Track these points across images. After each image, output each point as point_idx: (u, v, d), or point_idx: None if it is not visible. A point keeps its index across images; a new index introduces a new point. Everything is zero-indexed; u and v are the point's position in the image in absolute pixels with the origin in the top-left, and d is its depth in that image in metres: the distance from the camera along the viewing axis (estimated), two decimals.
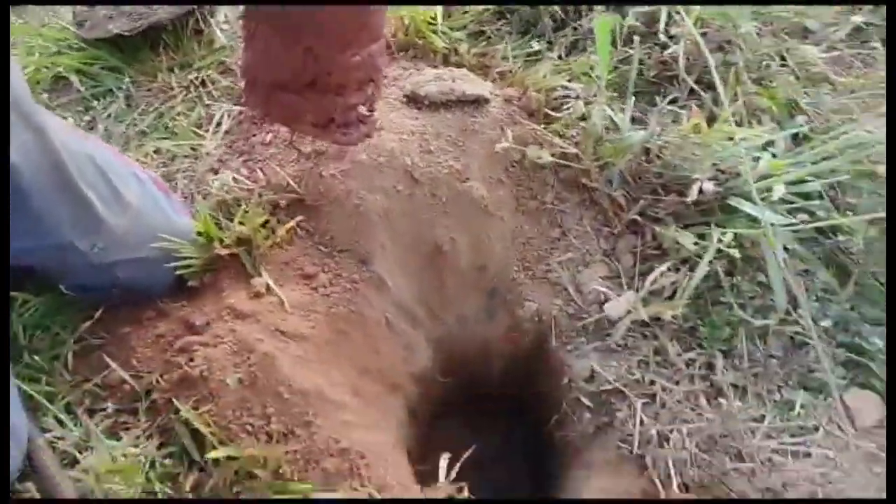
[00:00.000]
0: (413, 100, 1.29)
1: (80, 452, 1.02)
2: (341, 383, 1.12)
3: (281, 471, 1.01)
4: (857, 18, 1.57)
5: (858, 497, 1.07)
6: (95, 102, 1.45)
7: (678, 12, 1.41)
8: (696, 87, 1.31)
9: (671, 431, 1.12)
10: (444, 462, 1.03)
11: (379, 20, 1.01)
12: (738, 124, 1.30)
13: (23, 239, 1.02)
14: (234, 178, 1.27)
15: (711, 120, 1.29)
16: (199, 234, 1.17)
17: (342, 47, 0.98)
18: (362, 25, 0.98)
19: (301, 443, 1.02)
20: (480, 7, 1.48)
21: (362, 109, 1.07)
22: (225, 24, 1.56)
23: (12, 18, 1.59)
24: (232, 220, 1.19)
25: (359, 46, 0.99)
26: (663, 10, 1.37)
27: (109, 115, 1.43)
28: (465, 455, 1.04)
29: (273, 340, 1.10)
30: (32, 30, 1.55)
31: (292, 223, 1.18)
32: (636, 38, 1.29)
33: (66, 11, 1.61)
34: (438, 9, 1.42)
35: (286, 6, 0.94)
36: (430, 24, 1.43)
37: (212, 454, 0.97)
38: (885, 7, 1.56)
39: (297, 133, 1.22)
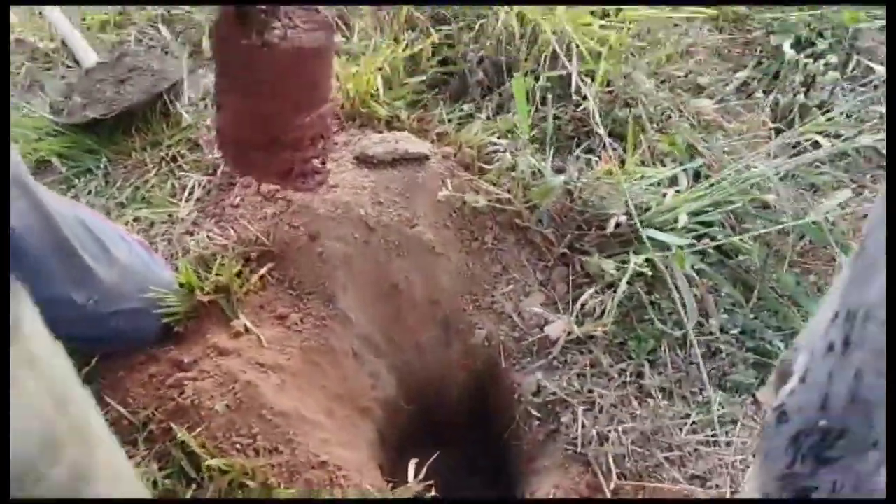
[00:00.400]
0: (363, 160, 1.47)
1: None
2: (316, 407, 1.27)
3: (269, 482, 1.14)
4: (742, 74, 1.83)
5: None
6: (77, 181, 1.60)
7: (587, 75, 1.64)
8: (606, 137, 1.53)
9: (609, 432, 1.29)
10: (412, 466, 1.18)
11: (326, 88, 1.21)
12: (645, 166, 1.52)
13: (33, 295, 1.15)
14: (209, 236, 1.43)
15: (622, 164, 1.51)
16: (182, 284, 1.32)
17: (296, 111, 1.18)
18: (313, 92, 1.18)
19: (285, 457, 1.16)
20: (416, 79, 1.68)
21: (316, 162, 1.26)
22: (190, 105, 1.74)
23: None
24: (210, 272, 1.34)
25: (310, 109, 1.18)
26: (574, 74, 1.60)
27: (90, 192, 1.58)
28: (430, 460, 1.19)
29: (254, 371, 1.24)
30: (12, 120, 1.70)
31: (263, 271, 1.34)
32: (549, 98, 1.50)
33: (41, 101, 1.77)
34: (379, 81, 1.63)
35: (249, 78, 1.13)
36: (373, 95, 1.63)
37: (208, 462, 1.10)
38: (765, 63, 1.83)
39: (263, 183, 1.40)
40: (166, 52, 1.85)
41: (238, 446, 1.16)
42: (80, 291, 1.21)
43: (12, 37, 1.94)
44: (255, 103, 1.15)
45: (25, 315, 0.37)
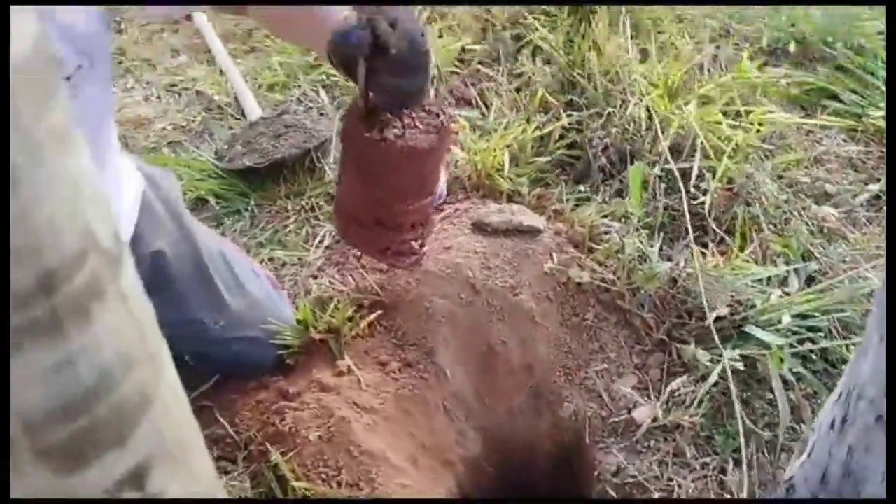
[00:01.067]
0: (479, 227, 1.57)
1: None
2: (402, 453, 1.34)
3: None
4: (875, 187, 1.80)
5: None
6: (226, 219, 1.79)
7: (709, 170, 1.68)
8: (718, 230, 1.55)
9: None
10: None
11: (432, 182, 1.32)
12: (756, 264, 1.52)
13: (164, 313, 1.31)
14: (330, 282, 1.56)
15: (732, 259, 1.52)
16: (298, 321, 1.45)
17: (402, 198, 1.29)
18: (420, 185, 1.28)
19: (363, 493, 1.24)
20: (542, 159, 1.78)
21: (414, 244, 1.37)
22: (334, 163, 1.91)
23: (168, 152, 1.99)
24: (325, 314, 1.46)
25: (414, 199, 1.29)
26: (695, 166, 1.64)
27: (236, 230, 1.76)
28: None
29: (349, 410, 1.34)
30: (183, 161, 1.93)
31: (372, 317, 1.45)
32: (666, 188, 1.55)
33: (208, 146, 1.99)
34: (506, 157, 1.73)
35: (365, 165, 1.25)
36: (499, 170, 1.73)
37: (293, 484, 1.20)
38: None
39: (364, 255, 1.52)
40: (322, 114, 2.04)
41: (323, 476, 1.25)
42: (211, 314, 1.37)
43: (195, 87, 2.21)
44: (367, 187, 1.28)
45: (128, 269, 0.47)
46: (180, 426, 0.54)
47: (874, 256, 1.57)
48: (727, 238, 1.60)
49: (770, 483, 1.34)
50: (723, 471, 1.35)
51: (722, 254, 1.56)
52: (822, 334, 1.44)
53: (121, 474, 0.48)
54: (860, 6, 2.11)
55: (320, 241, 1.70)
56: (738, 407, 1.38)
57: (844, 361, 1.45)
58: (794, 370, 1.40)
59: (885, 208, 1.75)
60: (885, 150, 1.87)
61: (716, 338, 1.44)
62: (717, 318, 1.45)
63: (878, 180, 1.83)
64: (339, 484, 1.24)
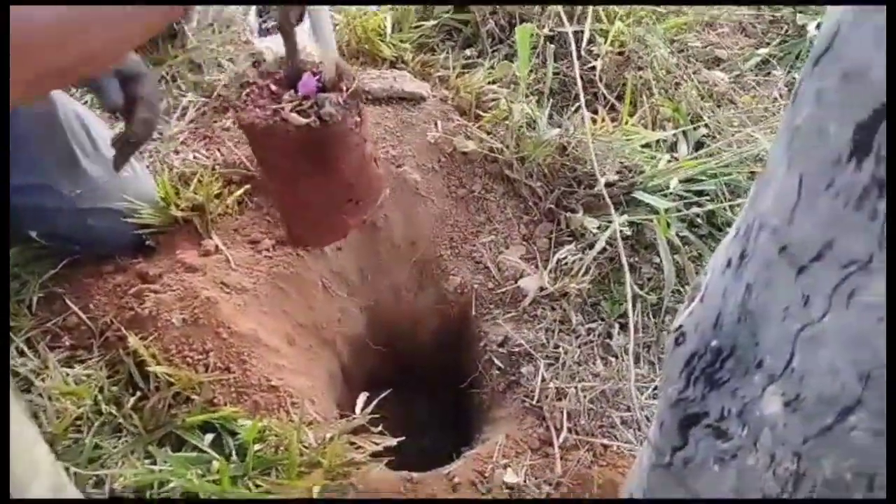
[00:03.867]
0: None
1: (36, 377, 1.14)
2: (276, 332, 1.25)
3: (214, 399, 1.14)
4: (764, 51, 1.77)
5: None
6: (74, 89, 1.59)
7: (601, 35, 1.60)
8: (608, 95, 1.48)
9: (569, 388, 1.26)
10: (361, 398, 1.17)
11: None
12: (645, 129, 1.47)
13: (18, 177, 1.15)
14: (195, 156, 1.42)
15: (621, 124, 1.47)
16: (161, 199, 1.31)
17: (363, 170, 0.98)
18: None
19: (235, 376, 1.15)
20: (428, 24, 1.65)
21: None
22: (198, 28, 1.72)
23: None
24: (189, 190, 1.33)
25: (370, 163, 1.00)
26: (587, 30, 1.55)
27: (87, 102, 1.57)
28: (381, 396, 1.18)
29: (217, 290, 1.23)
30: None
31: (240, 191, 1.33)
32: (557, 53, 1.46)
33: None
34: (388, 21, 1.60)
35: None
36: (380, 34, 1.60)
37: (154, 369, 1.10)
38: (786, 41, 1.76)
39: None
40: None
41: (189, 360, 1.15)
42: (65, 181, 1.21)
43: None
44: (326, 177, 0.96)
45: None
46: None
47: (761, 119, 1.54)
48: (617, 104, 1.53)
49: (654, 345, 1.33)
50: (608, 335, 1.32)
51: (612, 120, 1.49)
52: (708, 198, 1.41)
53: None
54: None
55: (183, 113, 1.54)
56: (627, 272, 1.35)
57: (729, 224, 1.43)
58: (681, 234, 1.37)
59: (773, 73, 1.72)
60: (775, 14, 1.84)
61: (608, 201, 1.40)
62: (607, 185, 1.40)
63: (768, 45, 1.80)
64: (207, 367, 1.15)
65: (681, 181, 1.41)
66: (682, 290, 1.35)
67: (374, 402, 1.17)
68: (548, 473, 1.16)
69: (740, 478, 0.50)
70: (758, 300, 0.44)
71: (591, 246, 1.38)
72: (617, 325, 1.33)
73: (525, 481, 1.15)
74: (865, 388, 0.41)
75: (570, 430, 1.20)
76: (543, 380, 1.27)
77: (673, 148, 1.48)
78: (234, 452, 1.08)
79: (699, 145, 1.53)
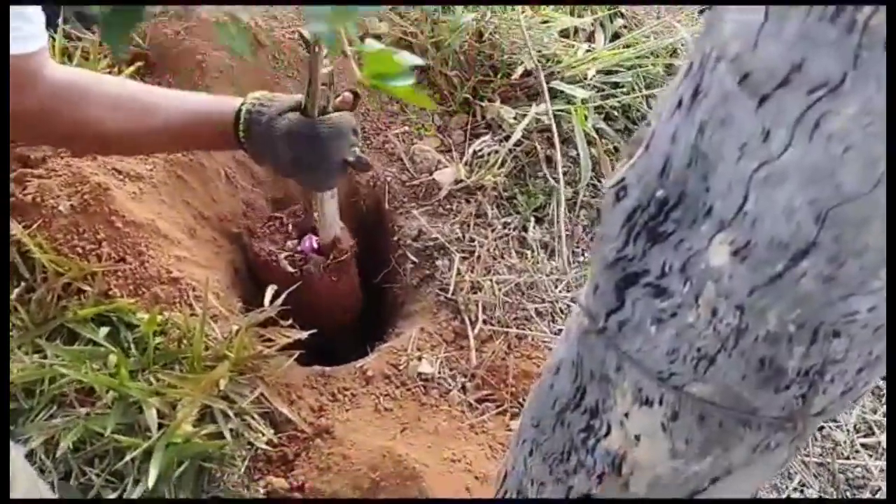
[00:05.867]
0: None
1: None
2: (176, 223, 1.17)
3: (109, 291, 1.06)
4: None
5: None
6: None
7: None
8: None
9: (484, 281, 1.24)
10: (269, 290, 1.11)
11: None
12: (563, 15, 1.43)
13: None
14: (79, 36, 1.28)
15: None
16: None
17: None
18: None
19: (132, 267, 1.07)
20: None
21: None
22: None
23: None
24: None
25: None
26: None
27: None
28: (290, 289, 1.12)
29: (109, 177, 1.13)
30: None
31: (131, 69, 1.22)
32: None
33: None
34: None
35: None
36: None
37: (38, 257, 1.01)
38: None
39: None
40: None
41: (80, 250, 1.06)
42: None
43: None
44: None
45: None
46: None
47: (679, 8, 1.52)
48: None
49: (568, 238, 1.32)
50: (524, 228, 1.30)
51: (531, 7, 1.44)
52: (624, 90, 1.39)
53: None
54: None
55: None
56: (544, 166, 1.32)
57: (645, 117, 1.43)
58: (597, 126, 1.35)
59: None
60: None
61: (521, 97, 1.35)
62: (524, 74, 1.36)
63: None
64: (100, 258, 1.07)
65: (597, 72, 1.38)
66: (598, 183, 1.34)
67: (283, 295, 1.12)
68: (463, 364, 1.15)
69: (678, 337, 0.48)
70: (711, 140, 0.41)
71: (508, 137, 1.35)
72: (533, 219, 1.31)
73: (440, 372, 1.13)
74: (822, 228, 0.39)
75: (485, 322, 1.19)
76: (458, 273, 1.24)
77: (591, 38, 1.44)
78: (132, 346, 1.01)
79: (616, 36, 1.49)
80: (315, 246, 1.19)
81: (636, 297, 0.50)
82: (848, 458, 1.13)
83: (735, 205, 0.41)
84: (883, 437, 1.14)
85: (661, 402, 0.52)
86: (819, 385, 0.47)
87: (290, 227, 1.24)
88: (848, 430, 1.15)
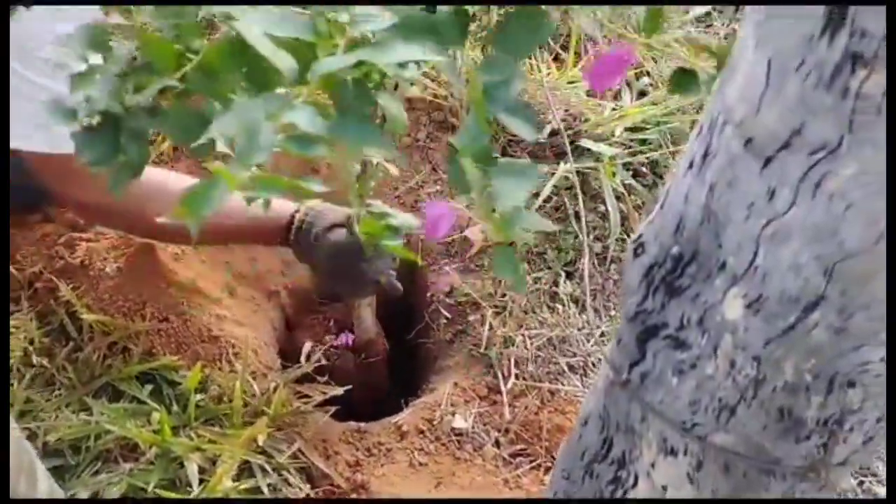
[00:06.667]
0: None
1: None
2: (217, 283, 1.21)
3: (153, 350, 1.10)
4: (706, 7, 1.78)
5: None
6: None
7: None
8: (552, 43, 1.47)
9: (516, 336, 1.25)
10: (307, 346, 1.14)
11: None
12: None
13: None
14: None
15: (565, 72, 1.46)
16: None
17: None
18: None
19: (174, 327, 1.11)
20: None
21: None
22: None
23: None
24: None
25: None
26: None
27: None
28: (329, 344, 1.15)
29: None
30: None
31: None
32: None
33: None
34: None
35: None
36: None
37: (86, 317, 1.05)
38: None
39: None
40: None
41: (124, 310, 1.11)
42: None
43: None
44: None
45: None
46: None
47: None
48: (562, 53, 1.52)
49: (599, 293, 1.33)
50: (555, 283, 1.32)
51: (558, 68, 1.48)
52: (651, 146, 1.42)
53: None
54: None
55: None
56: (573, 222, 1.35)
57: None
58: (626, 182, 1.38)
59: (716, 26, 1.74)
60: None
61: (550, 155, 1.39)
62: (552, 133, 1.40)
63: None
64: (144, 317, 1.11)
65: (625, 129, 1.41)
66: (626, 237, 1.36)
67: (321, 351, 1.15)
68: (496, 419, 1.16)
69: (698, 388, 0.50)
70: (721, 200, 0.43)
71: (537, 194, 1.38)
72: (563, 274, 1.33)
73: (473, 427, 1.14)
74: (829, 282, 0.41)
75: (517, 377, 1.20)
76: (491, 328, 1.26)
77: (617, 97, 1.48)
78: (174, 402, 1.04)
79: (642, 94, 1.53)
80: (350, 343, 1.24)
81: (657, 350, 0.52)
82: None
83: (746, 260, 0.44)
84: None
85: (685, 453, 0.53)
86: (839, 435, 0.48)
87: (331, 322, 1.31)
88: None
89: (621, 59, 0.44)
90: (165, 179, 1.00)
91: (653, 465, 0.56)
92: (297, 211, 1.07)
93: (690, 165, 0.46)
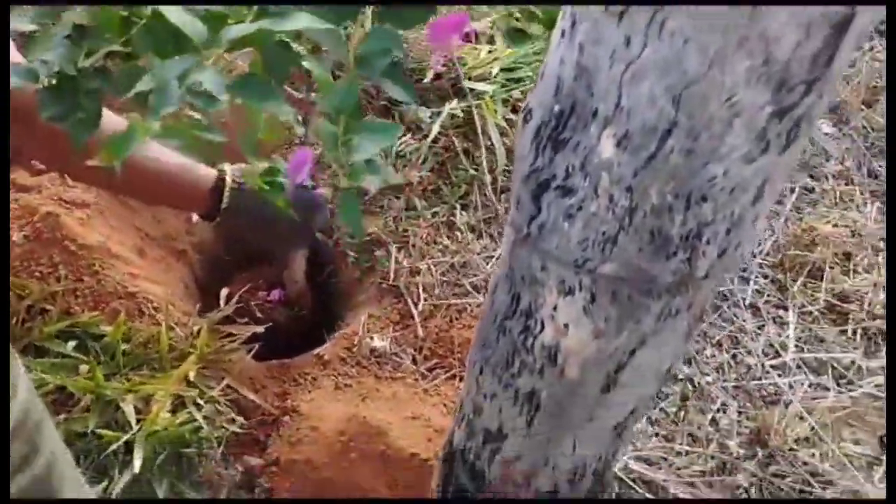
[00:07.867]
0: None
1: None
2: (126, 244, 1.24)
3: (71, 309, 1.12)
4: None
5: None
6: None
7: None
8: None
9: (421, 265, 1.34)
10: (224, 292, 1.19)
11: None
12: None
13: None
14: None
15: None
16: None
17: None
18: None
19: (89, 285, 1.14)
20: None
21: None
22: None
23: None
24: None
25: None
26: None
27: None
28: (243, 289, 1.21)
29: (56, 206, 1.20)
30: None
31: None
32: None
33: None
34: None
35: None
36: None
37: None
38: None
39: None
40: None
41: (38, 274, 1.13)
42: None
43: None
44: None
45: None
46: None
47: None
48: None
49: (493, 219, 1.44)
50: (452, 214, 1.42)
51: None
52: (525, 84, 1.53)
53: None
54: None
55: None
56: (463, 158, 1.45)
57: None
58: (507, 117, 1.48)
59: None
60: None
61: (435, 97, 1.48)
62: (435, 77, 1.48)
63: None
64: (59, 279, 1.13)
65: (501, 69, 1.51)
66: (512, 168, 1.47)
67: (237, 295, 1.20)
68: (411, 339, 1.25)
69: (586, 227, 0.59)
70: (589, 55, 0.53)
71: (426, 136, 1.46)
72: (459, 206, 1.43)
73: (391, 348, 1.23)
74: (678, 109, 0.51)
75: (426, 300, 1.29)
76: (397, 262, 1.34)
77: (491, 41, 1.58)
78: (100, 354, 1.07)
79: (515, 34, 1.63)
80: (282, 298, 1.29)
81: (549, 201, 0.61)
82: (760, 378, 1.27)
83: (613, 103, 0.53)
84: (788, 357, 1.29)
85: (580, 289, 0.63)
86: (699, 248, 0.59)
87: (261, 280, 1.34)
88: (757, 355, 1.29)
89: (458, 22, 0.53)
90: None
91: (555, 308, 0.66)
92: (222, 173, 1.07)
93: (563, 35, 0.56)
